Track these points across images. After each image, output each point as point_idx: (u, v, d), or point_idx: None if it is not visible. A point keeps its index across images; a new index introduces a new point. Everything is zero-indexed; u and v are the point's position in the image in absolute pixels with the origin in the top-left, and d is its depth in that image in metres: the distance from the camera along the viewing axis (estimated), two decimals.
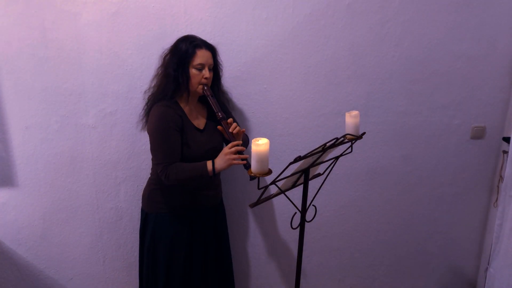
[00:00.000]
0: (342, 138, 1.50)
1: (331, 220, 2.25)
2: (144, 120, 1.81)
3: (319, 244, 2.29)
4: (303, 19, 1.93)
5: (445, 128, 2.13)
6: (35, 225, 2.12)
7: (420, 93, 2.07)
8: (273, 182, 1.36)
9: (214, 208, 1.93)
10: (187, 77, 1.68)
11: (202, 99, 1.83)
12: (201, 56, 1.67)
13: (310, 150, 1.44)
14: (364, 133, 1.61)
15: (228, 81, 1.96)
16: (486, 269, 2.17)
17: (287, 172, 1.38)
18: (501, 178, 2.14)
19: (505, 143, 2.12)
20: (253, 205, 1.41)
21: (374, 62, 2.01)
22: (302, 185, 1.55)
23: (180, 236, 1.82)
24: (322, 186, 1.65)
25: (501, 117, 2.12)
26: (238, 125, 1.72)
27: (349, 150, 1.61)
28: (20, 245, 2.15)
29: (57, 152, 2.02)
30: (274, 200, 2.16)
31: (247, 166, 1.62)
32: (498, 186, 2.19)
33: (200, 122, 1.80)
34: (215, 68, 1.78)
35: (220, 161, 1.65)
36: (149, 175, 1.89)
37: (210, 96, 1.71)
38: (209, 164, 1.66)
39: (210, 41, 1.80)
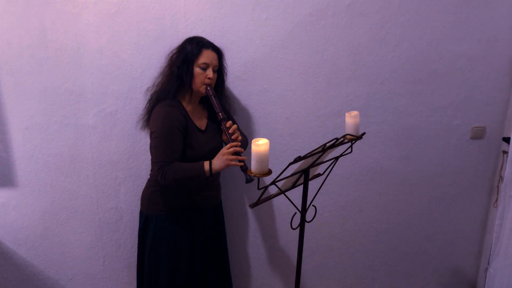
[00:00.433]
0: (342, 139, 1.50)
1: (331, 220, 2.25)
2: (145, 118, 1.81)
3: (319, 244, 2.30)
4: (303, 19, 1.93)
5: (445, 128, 2.13)
6: (35, 225, 2.12)
7: (420, 93, 2.07)
8: (273, 182, 1.36)
9: (214, 209, 1.93)
10: (191, 75, 1.69)
11: (204, 100, 1.83)
12: (206, 56, 1.68)
13: (310, 150, 1.44)
14: (364, 134, 1.61)
15: (228, 81, 1.96)
16: (486, 269, 2.17)
17: (287, 173, 1.38)
18: (501, 178, 2.14)
19: (505, 143, 2.13)
20: (253, 205, 1.41)
21: (374, 63, 2.01)
22: (302, 185, 1.55)
23: (181, 237, 1.82)
24: (322, 186, 1.65)
25: (501, 117, 2.12)
26: (239, 127, 1.72)
27: (349, 150, 1.61)
28: (20, 245, 2.15)
29: (57, 152, 2.02)
30: (274, 200, 2.16)
31: (244, 168, 1.62)
32: (498, 186, 2.19)
33: (202, 123, 1.80)
34: (220, 71, 1.78)
35: (218, 162, 1.65)
36: (149, 176, 1.89)
37: (212, 96, 1.71)
38: (206, 164, 1.66)
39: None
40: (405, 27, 1.97)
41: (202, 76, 1.69)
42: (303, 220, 1.59)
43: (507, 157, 1.99)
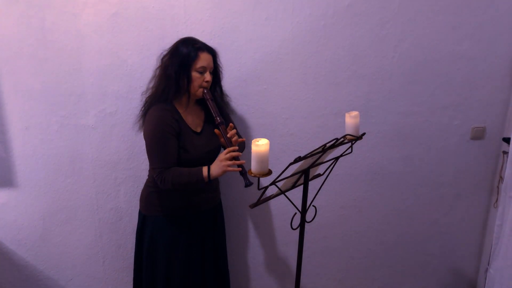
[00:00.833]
0: (342, 139, 1.50)
1: (331, 220, 2.25)
2: (140, 122, 1.80)
3: (319, 244, 2.29)
4: (303, 19, 1.93)
5: (445, 128, 2.13)
6: (35, 225, 2.12)
7: (420, 94, 2.07)
8: (273, 183, 1.36)
9: (213, 210, 1.93)
10: (189, 80, 1.67)
11: (200, 102, 1.82)
12: (204, 60, 1.66)
13: (310, 150, 1.44)
14: (364, 134, 1.61)
15: (228, 81, 1.96)
16: (486, 270, 2.16)
17: (287, 173, 1.38)
18: (501, 178, 2.13)
19: (505, 144, 2.12)
20: (253, 206, 1.41)
21: (374, 63, 2.01)
22: (302, 186, 1.55)
23: (178, 239, 1.82)
24: (322, 186, 1.65)
25: (501, 117, 2.12)
26: (237, 131, 1.70)
27: (349, 150, 1.61)
28: (20, 245, 2.15)
29: (57, 153, 2.02)
30: (274, 200, 2.16)
31: (243, 172, 1.61)
32: (498, 187, 2.19)
33: (197, 125, 1.79)
34: (215, 71, 1.77)
35: (216, 168, 1.63)
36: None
37: (209, 99, 1.69)
38: (204, 170, 1.64)
39: (210, 41, 1.80)
40: (405, 27, 1.97)
41: (199, 80, 1.68)
42: (303, 221, 1.59)
43: (507, 157, 1.98)
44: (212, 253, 1.94)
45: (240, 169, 1.61)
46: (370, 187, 2.21)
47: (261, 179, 1.31)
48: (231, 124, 1.71)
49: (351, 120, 1.55)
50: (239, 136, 1.83)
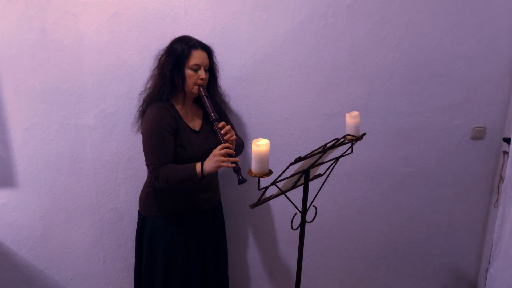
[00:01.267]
0: (343, 139, 1.50)
1: (331, 220, 2.25)
2: (139, 122, 1.81)
3: (320, 244, 2.29)
4: (303, 19, 1.93)
5: (445, 128, 2.13)
6: (35, 225, 2.12)
7: (420, 94, 2.07)
8: (274, 183, 1.36)
9: (213, 210, 1.92)
10: (183, 78, 1.67)
11: (198, 100, 1.82)
12: (197, 57, 1.66)
13: (311, 150, 1.44)
14: (364, 134, 1.61)
15: (228, 81, 1.96)
16: (487, 269, 2.16)
17: (288, 173, 1.38)
18: (501, 178, 2.14)
19: (505, 144, 2.12)
20: (254, 206, 1.40)
21: (374, 63, 2.01)
22: (302, 186, 1.55)
23: (177, 239, 1.81)
24: (323, 186, 1.65)
25: (501, 117, 2.12)
26: (233, 128, 1.70)
27: (350, 150, 1.61)
28: (20, 245, 2.15)
29: (57, 153, 2.02)
30: (274, 201, 2.16)
31: (237, 168, 1.61)
32: (498, 187, 2.19)
33: (195, 124, 1.79)
34: (211, 69, 1.77)
35: (209, 163, 1.63)
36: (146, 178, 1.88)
37: (204, 96, 1.70)
38: (198, 165, 1.64)
39: (210, 42, 1.80)
40: (405, 27, 1.97)
41: (194, 78, 1.68)
42: (303, 221, 1.59)
43: (507, 157, 1.99)
44: (212, 253, 1.94)
45: (234, 165, 1.60)
46: (370, 187, 2.21)
47: (261, 179, 1.31)
48: (223, 122, 1.70)
49: (351, 120, 1.55)
50: (236, 135, 1.83)
